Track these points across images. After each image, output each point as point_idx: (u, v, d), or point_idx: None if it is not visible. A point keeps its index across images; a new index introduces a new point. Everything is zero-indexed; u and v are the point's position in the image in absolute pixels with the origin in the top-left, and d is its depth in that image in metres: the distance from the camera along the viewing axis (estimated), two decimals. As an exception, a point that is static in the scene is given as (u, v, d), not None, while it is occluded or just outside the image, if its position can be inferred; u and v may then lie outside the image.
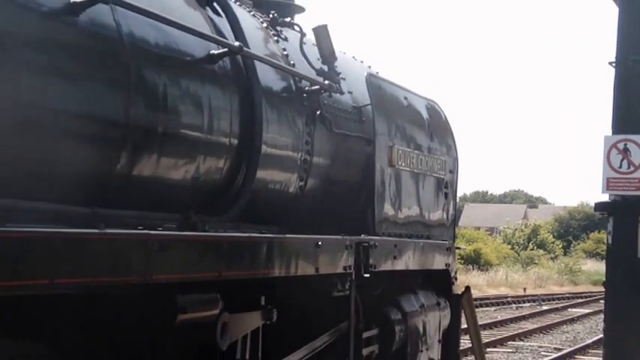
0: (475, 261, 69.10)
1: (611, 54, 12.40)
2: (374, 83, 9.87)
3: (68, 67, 5.81)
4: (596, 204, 12.19)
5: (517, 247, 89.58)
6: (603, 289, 14.68)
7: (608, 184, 11.45)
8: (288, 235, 7.57)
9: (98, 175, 6.15)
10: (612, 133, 11.56)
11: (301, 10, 9.70)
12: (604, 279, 13.86)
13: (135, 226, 6.14)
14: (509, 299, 51.05)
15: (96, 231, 5.63)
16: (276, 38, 8.65)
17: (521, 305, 48.52)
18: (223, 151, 7.37)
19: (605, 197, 11.72)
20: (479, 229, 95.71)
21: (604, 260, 17.93)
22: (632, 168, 11.31)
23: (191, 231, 6.69)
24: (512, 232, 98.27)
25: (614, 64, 12.36)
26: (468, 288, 12.04)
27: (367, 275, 8.70)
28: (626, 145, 11.28)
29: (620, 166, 11.30)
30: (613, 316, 11.75)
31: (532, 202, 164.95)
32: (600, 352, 22.20)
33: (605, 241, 12.19)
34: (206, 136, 7.11)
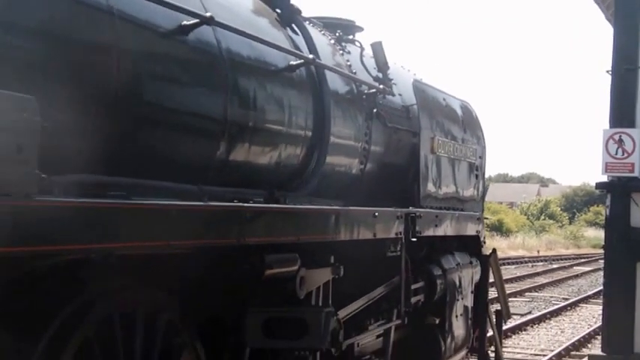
0: (498, 229, 68.75)
1: (609, 63, 12.39)
2: (418, 87, 9.88)
3: (180, 75, 5.90)
4: (597, 183, 12.19)
5: (532, 218, 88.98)
6: (602, 252, 14.69)
7: (607, 168, 11.49)
8: (351, 208, 7.61)
9: (202, 160, 6.23)
10: (609, 127, 11.58)
11: (360, 29, 9.73)
12: (603, 243, 13.89)
13: (231, 200, 6.23)
14: (525, 259, 50.74)
15: (201, 203, 5.75)
16: (341, 52, 8.68)
17: (535, 264, 48.22)
18: (300, 141, 7.42)
19: (604, 178, 11.72)
20: (501, 203, 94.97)
21: (602, 228, 17.87)
22: (625, 155, 11.35)
23: (275, 204, 6.79)
24: (528, 205, 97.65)
25: (610, 72, 12.33)
26: (494, 250, 12.04)
27: (414, 239, 8.74)
28: (620, 136, 11.31)
29: (616, 153, 11.34)
30: (611, 272, 11.78)
31: (544, 182, 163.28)
32: (600, 301, 22.14)
33: (604, 213, 12.21)
34: (286, 129, 7.17)
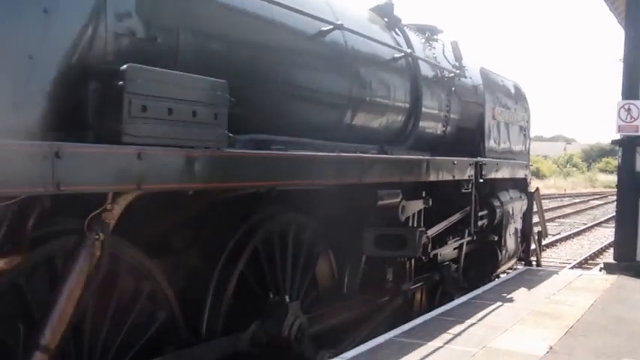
0: (536, 174, 67.47)
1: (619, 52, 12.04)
2: (483, 72, 9.72)
3: (319, 65, 5.93)
4: (612, 140, 11.90)
5: (560, 166, 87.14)
6: (611, 190, 14.41)
7: (619, 129, 11.24)
8: (437, 158, 7.57)
9: (334, 124, 6.24)
10: (622, 99, 11.31)
11: (441, 31, 9.56)
12: (613, 185, 13.73)
13: (354, 152, 6.28)
14: (555, 196, 49.72)
15: (334, 154, 5.80)
16: (429, 47, 8.58)
17: (562, 199, 47.28)
18: (401, 111, 7.38)
19: (616, 136, 11.48)
20: (537, 155, 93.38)
21: (611, 174, 17.53)
22: (632, 119, 11.13)
23: (384, 154, 6.81)
24: (557, 158, 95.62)
25: (621, 60, 11.94)
26: (537, 188, 11.87)
27: (481, 180, 8.67)
28: (629, 106, 11.11)
29: (626, 118, 11.12)
30: (620, 203, 11.56)
31: (568, 140, 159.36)
32: (610, 225, 21.75)
33: (617, 162, 11.97)
34: (391, 102, 7.14)
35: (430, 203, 7.52)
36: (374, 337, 6.42)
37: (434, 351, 5.92)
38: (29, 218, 3.40)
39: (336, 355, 5.83)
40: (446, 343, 6.17)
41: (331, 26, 5.93)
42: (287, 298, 5.73)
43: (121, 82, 3.49)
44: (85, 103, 3.54)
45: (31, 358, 3.49)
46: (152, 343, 4.65)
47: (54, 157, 3.12)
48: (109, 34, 3.72)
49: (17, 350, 3.65)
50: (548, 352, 5.95)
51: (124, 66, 3.53)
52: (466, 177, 8.25)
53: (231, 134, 4.30)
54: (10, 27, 3.17)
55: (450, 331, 6.57)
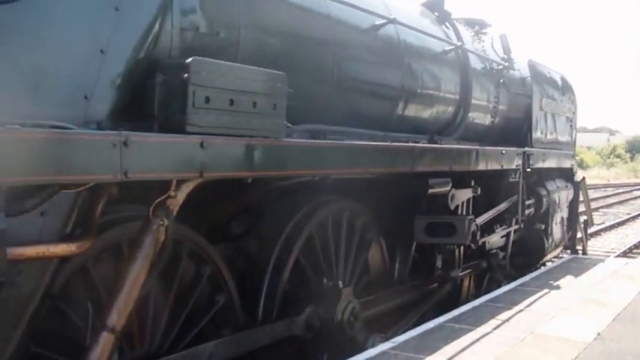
0: (580, 165, 66.41)
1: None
2: (531, 64, 9.58)
3: (373, 58, 5.90)
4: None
5: (604, 157, 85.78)
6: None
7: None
8: (486, 147, 7.49)
9: (387, 115, 6.21)
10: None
11: (490, 25, 9.47)
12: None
13: (406, 141, 6.25)
14: (599, 186, 48.96)
15: (387, 144, 5.78)
16: (478, 40, 8.50)
17: (606, 189, 46.57)
18: (451, 102, 7.32)
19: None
20: (581, 147, 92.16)
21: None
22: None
23: (435, 144, 6.76)
24: (601, 148, 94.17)
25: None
26: (583, 178, 11.69)
27: (528, 170, 8.56)
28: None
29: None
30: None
31: (612, 132, 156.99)
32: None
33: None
34: (443, 94, 7.08)
35: (479, 192, 7.45)
36: (423, 322, 6.40)
37: (483, 336, 5.87)
38: (98, 204, 3.45)
39: (387, 339, 5.82)
40: (494, 328, 6.12)
41: (384, 20, 5.91)
42: (340, 283, 5.73)
43: (185, 75, 3.51)
44: (151, 95, 3.58)
45: (98, 339, 3.55)
46: (211, 325, 4.71)
47: (122, 146, 3.16)
48: (175, 29, 3.77)
49: (86, 331, 3.72)
50: (596, 339, 5.87)
51: (189, 59, 3.55)
52: (514, 166, 8.15)
53: (289, 124, 4.31)
54: (84, 23, 3.23)
55: (498, 317, 6.51)
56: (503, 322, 6.36)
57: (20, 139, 2.77)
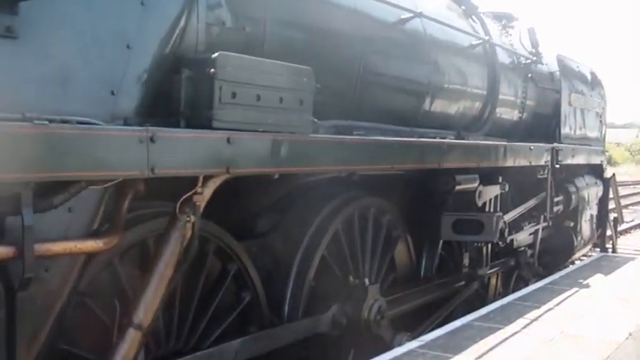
0: (609, 161, 66.05)
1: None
2: (559, 58, 9.52)
3: (399, 52, 5.87)
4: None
5: (633, 153, 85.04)
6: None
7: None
8: (514, 143, 7.44)
9: (413, 110, 6.19)
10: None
11: (517, 18, 9.41)
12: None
13: (433, 137, 6.23)
14: (628, 183, 48.48)
15: (413, 139, 5.77)
16: (505, 34, 8.45)
17: (635, 186, 46.09)
18: (478, 98, 7.28)
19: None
20: (610, 143, 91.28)
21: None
22: None
23: (462, 140, 6.74)
24: (630, 144, 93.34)
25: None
26: (613, 174, 11.59)
27: (557, 166, 8.50)
28: None
29: None
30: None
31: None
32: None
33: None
34: (470, 89, 7.04)
35: (507, 188, 7.41)
36: (450, 321, 6.38)
37: (511, 335, 5.84)
38: (125, 201, 3.47)
39: (414, 338, 5.81)
40: (523, 327, 6.09)
41: (411, 14, 5.88)
42: (366, 281, 5.73)
43: (212, 70, 3.52)
44: (177, 90, 3.59)
45: (125, 336, 3.57)
46: (237, 322, 4.72)
47: (149, 142, 3.17)
48: (201, 24, 3.77)
49: (112, 327, 3.74)
50: (627, 338, 5.82)
51: (215, 54, 3.56)
52: (542, 163, 8.10)
53: (315, 120, 4.31)
54: (111, 18, 3.25)
55: (526, 315, 6.48)
56: (532, 321, 6.33)
57: (48, 134, 2.79)
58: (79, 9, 3.11)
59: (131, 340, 3.55)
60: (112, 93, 3.27)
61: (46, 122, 2.80)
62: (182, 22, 3.63)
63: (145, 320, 3.60)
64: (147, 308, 3.62)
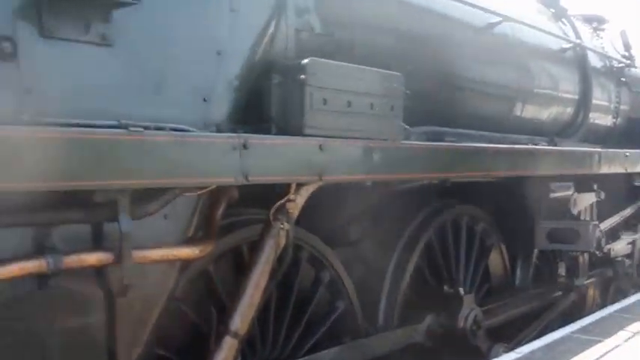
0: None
1: None
2: (655, 61, 9.23)
3: (489, 57, 5.73)
4: None
5: None
6: None
7: None
8: (609, 150, 7.20)
9: (503, 116, 6.04)
10: None
11: (608, 20, 9.14)
12: None
13: (525, 144, 6.07)
14: None
15: (506, 146, 5.62)
16: (596, 37, 8.23)
17: None
18: (569, 103, 7.08)
19: None
20: None
21: None
22: None
23: (554, 147, 6.55)
24: None
25: None
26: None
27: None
28: None
29: None
30: None
31: None
32: None
33: None
34: (560, 94, 6.85)
35: (602, 196, 7.16)
36: (546, 333, 6.17)
37: (612, 349, 5.59)
38: (219, 208, 3.46)
39: (511, 349, 5.63)
40: (625, 341, 5.82)
41: (499, 18, 5.75)
42: (461, 290, 5.59)
43: (302, 76, 3.49)
44: (268, 97, 3.58)
45: (222, 343, 3.56)
46: (331, 332, 4.66)
47: (242, 149, 3.15)
48: (290, 29, 3.76)
49: (208, 334, 3.73)
50: None
51: (306, 60, 3.53)
52: (639, 170, 7.81)
53: (407, 126, 4.24)
54: (201, 25, 3.25)
55: (627, 328, 6.20)
56: (634, 334, 6.05)
57: (143, 142, 2.80)
58: (169, 16, 3.13)
59: (228, 347, 3.54)
60: (204, 100, 3.27)
61: (142, 129, 2.81)
62: (271, 28, 3.62)
63: (241, 328, 3.59)
64: (243, 316, 3.60)
